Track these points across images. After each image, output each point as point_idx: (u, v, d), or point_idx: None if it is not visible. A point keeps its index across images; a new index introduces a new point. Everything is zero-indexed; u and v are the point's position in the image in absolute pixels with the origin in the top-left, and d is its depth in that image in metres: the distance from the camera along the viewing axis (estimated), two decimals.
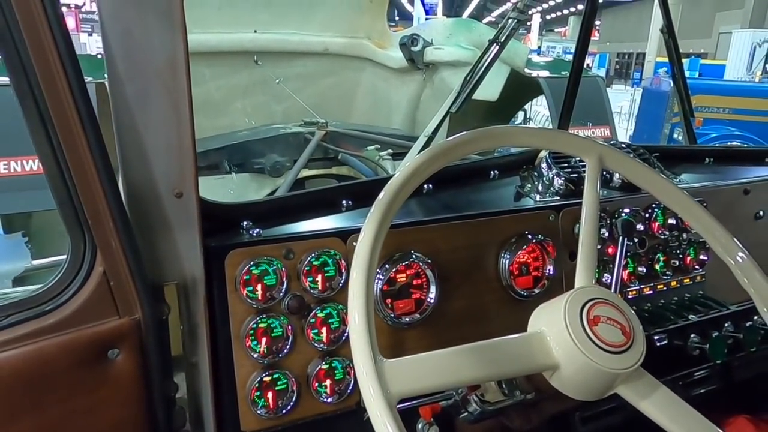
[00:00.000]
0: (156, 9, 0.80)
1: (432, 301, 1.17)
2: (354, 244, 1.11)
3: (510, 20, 1.56)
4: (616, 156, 1.06)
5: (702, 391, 1.53)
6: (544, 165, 1.47)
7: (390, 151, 3.22)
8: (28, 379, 0.79)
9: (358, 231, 1.12)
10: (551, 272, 1.29)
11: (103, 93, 2.69)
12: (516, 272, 1.27)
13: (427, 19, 14.54)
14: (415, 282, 1.17)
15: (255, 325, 1.03)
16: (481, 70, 1.64)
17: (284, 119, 3.80)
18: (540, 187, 1.45)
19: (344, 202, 1.24)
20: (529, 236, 1.27)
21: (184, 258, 0.96)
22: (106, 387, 0.86)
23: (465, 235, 1.24)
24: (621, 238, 1.26)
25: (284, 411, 1.06)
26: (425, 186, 1.36)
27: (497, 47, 1.61)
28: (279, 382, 1.06)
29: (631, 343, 0.84)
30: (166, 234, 0.93)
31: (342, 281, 1.10)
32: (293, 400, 1.07)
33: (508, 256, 1.25)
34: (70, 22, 27.94)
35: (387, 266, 1.14)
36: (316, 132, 3.31)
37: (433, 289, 1.17)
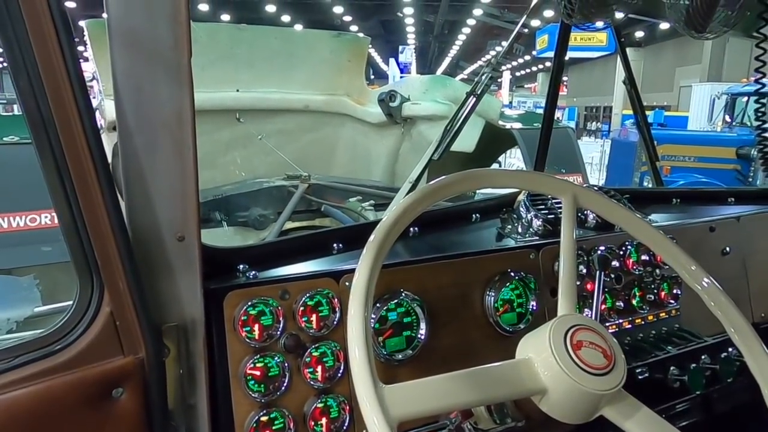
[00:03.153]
0: (166, 66, 0.87)
1: (422, 337, 1.22)
2: (347, 284, 1.16)
3: (484, 75, 1.69)
4: (590, 195, 1.14)
5: (684, 423, 1.57)
6: (522, 207, 1.55)
7: (372, 201, 3.30)
8: (37, 418, 0.81)
9: (350, 272, 1.18)
10: (534, 308, 1.35)
11: None
12: (501, 309, 1.32)
13: (401, 77, 15.03)
14: (405, 320, 1.22)
15: (252, 365, 1.07)
16: (460, 120, 1.74)
17: (267, 173, 3.88)
18: (519, 229, 1.53)
19: (335, 245, 1.29)
20: (512, 274, 1.34)
21: (185, 300, 1.00)
22: (109, 427, 0.88)
23: (451, 274, 1.30)
24: (598, 272, 1.33)
25: None
26: (411, 229, 1.42)
27: (474, 99, 1.72)
28: (276, 422, 1.08)
29: (613, 365, 0.89)
30: (167, 276, 0.97)
31: (336, 320, 1.14)
32: None
33: (492, 294, 1.31)
34: None
35: (378, 305, 1.19)
36: (299, 185, 3.39)
37: (423, 326, 1.22)
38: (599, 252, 1.42)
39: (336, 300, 1.14)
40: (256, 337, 1.07)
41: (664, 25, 23.82)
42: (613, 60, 26.77)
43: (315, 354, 1.12)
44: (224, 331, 1.05)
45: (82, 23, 3.41)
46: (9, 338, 0.87)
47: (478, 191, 1.68)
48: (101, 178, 0.83)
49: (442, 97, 3.85)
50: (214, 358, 1.04)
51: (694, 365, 1.41)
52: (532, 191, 1.50)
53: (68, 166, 0.81)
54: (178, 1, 0.84)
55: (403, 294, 1.21)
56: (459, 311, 1.29)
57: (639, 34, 25.83)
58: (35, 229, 2.24)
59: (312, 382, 1.12)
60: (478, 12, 23.45)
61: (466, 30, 28.58)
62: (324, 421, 1.12)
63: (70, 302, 0.91)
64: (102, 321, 0.87)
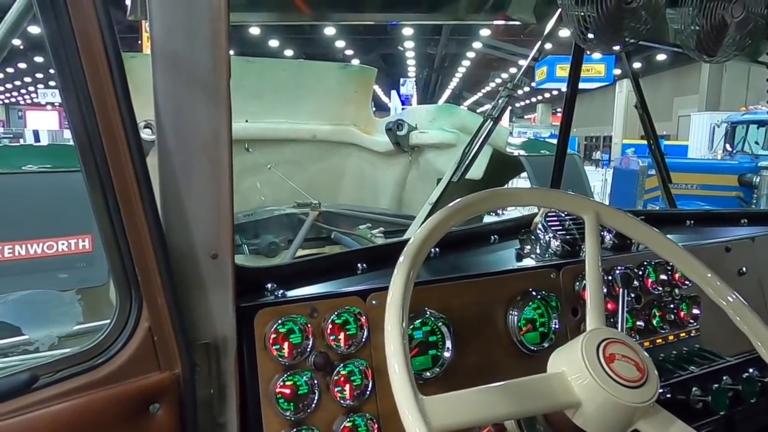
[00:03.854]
0: (205, 89, 0.90)
1: (448, 356, 1.22)
2: (373, 302, 1.18)
3: (501, 99, 1.73)
4: (612, 212, 1.16)
5: None
6: (540, 229, 1.57)
7: (381, 228, 3.33)
8: (83, 430, 0.81)
9: (376, 290, 1.19)
10: (557, 327, 1.36)
11: None
12: (524, 328, 1.33)
13: (403, 109, 15.23)
14: (430, 338, 1.23)
15: (282, 383, 1.07)
16: (479, 143, 1.78)
17: (276, 201, 3.91)
18: (538, 250, 1.55)
19: (360, 265, 1.31)
20: (534, 293, 1.35)
21: (216, 317, 1.01)
22: None
23: (474, 294, 1.31)
24: (622, 290, 1.34)
25: None
26: (433, 250, 1.44)
27: (491, 122, 1.76)
28: None
29: (646, 378, 0.90)
30: (200, 294, 0.99)
31: (363, 338, 1.15)
32: None
33: (515, 313, 1.32)
34: (54, 121, 28.58)
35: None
36: (309, 212, 3.41)
37: (448, 344, 1.23)
38: (620, 270, 1.43)
39: (363, 318, 1.15)
40: (286, 355, 1.08)
41: (661, 56, 24.20)
42: (611, 91, 27.11)
43: (343, 372, 1.13)
44: (255, 349, 1.06)
45: None
46: (45, 355, 0.88)
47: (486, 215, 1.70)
48: (144, 197, 0.85)
49: (448, 125, 3.90)
50: (244, 376, 1.05)
51: (716, 385, 1.40)
52: (555, 209, 1.52)
53: (113, 186, 0.83)
54: (218, 27, 0.88)
55: (428, 313, 1.22)
56: (483, 330, 1.30)
57: (637, 65, 26.21)
58: (52, 256, 2.26)
59: (341, 401, 1.12)
60: (477, 45, 23.89)
61: (466, 63, 29.06)
62: None
63: (102, 321, 0.92)
64: (141, 336, 0.88)
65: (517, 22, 1.73)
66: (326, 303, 1.14)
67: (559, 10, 1.66)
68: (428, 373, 1.20)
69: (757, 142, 11.19)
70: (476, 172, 3.68)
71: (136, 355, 0.87)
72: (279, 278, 1.18)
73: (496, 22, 1.69)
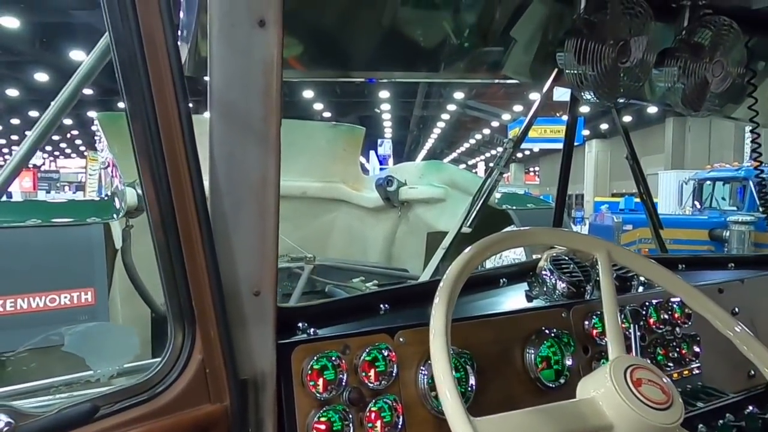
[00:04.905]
0: (256, 135, 0.98)
1: (472, 391, 1.26)
2: (401, 339, 1.23)
3: (506, 152, 1.85)
4: (622, 251, 1.25)
5: None
6: (545, 271, 1.65)
7: (375, 281, 3.37)
8: None
9: (403, 327, 1.25)
10: (571, 364, 1.41)
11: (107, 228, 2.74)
12: (540, 365, 1.38)
13: (381, 168, 15.54)
14: (455, 375, 1.27)
15: (317, 419, 1.10)
16: (487, 191, 1.88)
17: None
18: (546, 292, 1.62)
19: (382, 305, 1.36)
20: (547, 331, 1.41)
21: (256, 353, 1.04)
22: None
23: (491, 332, 1.36)
24: (633, 325, 1.41)
25: None
26: None
27: (497, 171, 1.87)
28: None
29: (672, 401, 0.96)
30: (242, 330, 1.03)
31: (393, 375, 1.19)
32: None
33: (532, 351, 1.37)
34: (28, 182, 28.32)
35: (429, 362, 1.25)
36: (304, 266, 3.45)
37: (472, 381, 1.27)
38: (629, 307, 1.51)
39: (392, 355, 1.20)
40: (321, 390, 1.11)
41: (627, 117, 25.28)
42: (581, 151, 28.07)
43: (374, 408, 1.16)
44: (292, 385, 1.09)
45: (94, 116, 3.58)
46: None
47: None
48: (204, 236, 0.90)
49: (437, 180, 4.03)
50: (282, 412, 1.07)
51: (721, 421, 1.46)
52: (569, 248, 1.61)
53: (177, 225, 0.89)
54: (270, 78, 0.97)
55: (452, 349, 1.27)
56: (502, 367, 1.34)
57: (604, 126, 27.32)
58: (54, 309, 2.25)
59: None
60: (452, 108, 24.71)
61: (441, 124, 29.94)
62: None
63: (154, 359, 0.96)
64: (194, 368, 0.91)
65: (514, 81, 1.87)
66: (357, 340, 1.18)
67: (556, 69, 1.81)
68: None
69: (723, 198, 11.65)
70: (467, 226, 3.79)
71: (190, 386, 0.90)
72: (309, 317, 1.22)
73: (495, 81, 1.82)
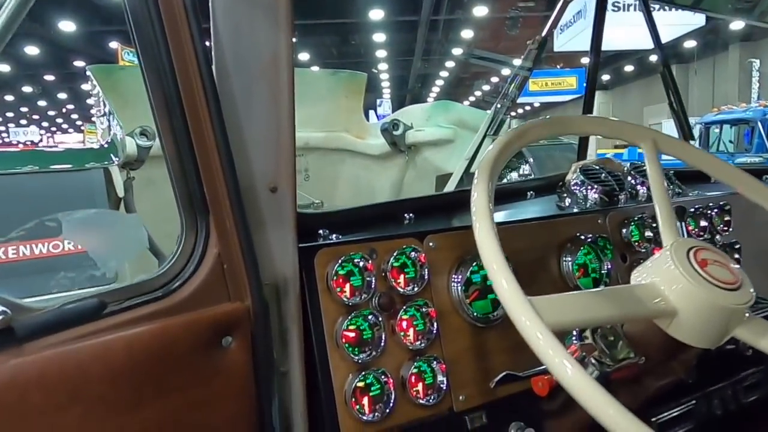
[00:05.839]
0: (264, 6, 0.86)
1: None
2: (431, 244, 1.13)
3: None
4: (669, 139, 1.14)
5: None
6: (576, 183, 1.54)
7: None
8: (155, 354, 0.75)
9: (432, 232, 1.15)
10: (608, 271, 1.33)
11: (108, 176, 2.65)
12: (577, 273, 1.29)
13: None
14: (489, 282, 1.18)
15: (346, 326, 1.01)
16: (513, 96, 1.77)
17: None
18: (577, 203, 1.52)
19: (406, 215, 1.26)
20: (583, 237, 1.31)
21: (276, 257, 0.95)
22: (220, 378, 0.82)
23: (525, 240, 1.27)
24: (679, 223, 1.31)
25: (380, 416, 1.01)
26: None
27: (520, 77, 1.76)
28: (372, 388, 1.02)
29: (741, 281, 0.87)
30: (259, 229, 0.93)
31: (424, 281, 1.10)
32: (390, 403, 1.02)
33: (569, 259, 1.28)
34: None
35: (462, 269, 1.16)
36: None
37: None
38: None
39: (422, 259, 1.11)
40: (348, 295, 1.03)
41: (629, 68, 24.86)
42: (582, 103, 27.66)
43: (405, 317, 1.08)
44: (317, 290, 1.01)
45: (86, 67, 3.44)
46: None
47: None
48: (214, 120, 0.80)
49: (444, 121, 3.90)
50: (308, 319, 0.99)
51: None
52: (612, 138, 1.51)
53: (183, 105, 0.78)
54: None
55: None
56: (538, 275, 1.26)
57: (605, 77, 26.87)
58: (57, 255, 2.17)
59: (407, 344, 1.06)
60: (450, 64, 24.27)
61: (440, 82, 29.49)
62: (420, 386, 1.06)
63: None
64: (210, 263, 0.82)
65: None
66: (384, 244, 1.09)
67: None
68: (494, 314, 1.15)
69: (731, 141, 11.47)
70: (477, 164, 3.68)
71: (206, 282, 0.82)
72: (331, 225, 1.13)
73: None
